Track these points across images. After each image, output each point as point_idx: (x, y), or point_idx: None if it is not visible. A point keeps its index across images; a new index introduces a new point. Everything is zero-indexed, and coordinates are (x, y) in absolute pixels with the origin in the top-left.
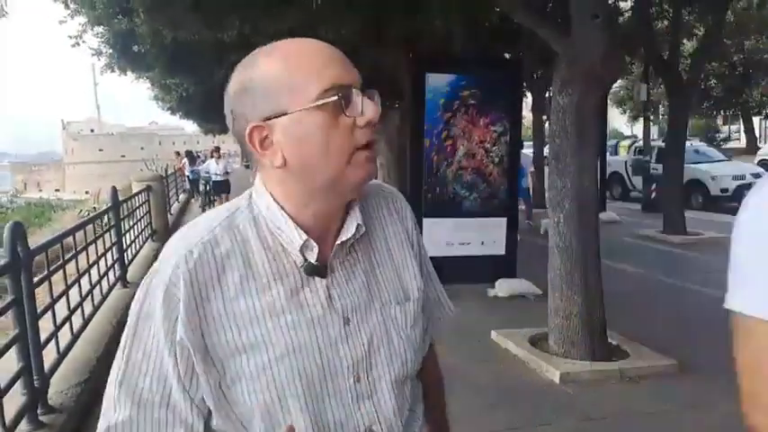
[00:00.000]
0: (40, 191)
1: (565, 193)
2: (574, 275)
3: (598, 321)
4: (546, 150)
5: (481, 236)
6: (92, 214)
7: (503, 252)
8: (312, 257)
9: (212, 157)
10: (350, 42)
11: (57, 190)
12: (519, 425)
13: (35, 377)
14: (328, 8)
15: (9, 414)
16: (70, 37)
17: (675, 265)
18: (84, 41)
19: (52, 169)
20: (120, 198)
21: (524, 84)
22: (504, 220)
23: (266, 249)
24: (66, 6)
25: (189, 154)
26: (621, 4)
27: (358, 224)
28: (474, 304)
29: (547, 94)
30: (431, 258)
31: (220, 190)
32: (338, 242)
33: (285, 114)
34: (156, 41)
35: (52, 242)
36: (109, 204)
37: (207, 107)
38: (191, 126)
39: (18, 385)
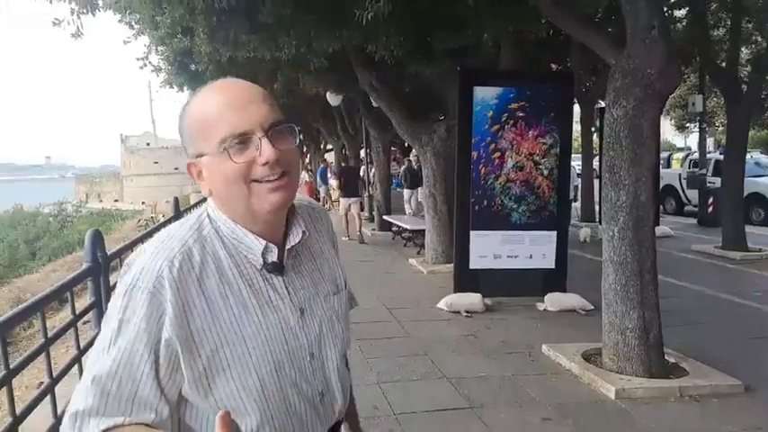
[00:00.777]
0: (101, 201)
1: (619, 206)
2: (629, 290)
3: (655, 337)
4: (595, 163)
5: (530, 249)
6: (150, 224)
7: (552, 266)
8: (273, 258)
9: None
10: (398, 57)
11: (116, 200)
12: None
13: None
14: (378, 26)
15: None
16: (138, 59)
17: (735, 282)
18: (150, 62)
19: (111, 181)
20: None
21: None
22: (554, 234)
23: (231, 257)
24: (131, 27)
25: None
26: (676, 13)
27: (303, 231)
28: (522, 318)
29: (596, 106)
30: (477, 270)
31: None
32: (288, 247)
33: (203, 156)
34: (213, 59)
35: (125, 248)
36: (172, 215)
37: None
38: None
39: None
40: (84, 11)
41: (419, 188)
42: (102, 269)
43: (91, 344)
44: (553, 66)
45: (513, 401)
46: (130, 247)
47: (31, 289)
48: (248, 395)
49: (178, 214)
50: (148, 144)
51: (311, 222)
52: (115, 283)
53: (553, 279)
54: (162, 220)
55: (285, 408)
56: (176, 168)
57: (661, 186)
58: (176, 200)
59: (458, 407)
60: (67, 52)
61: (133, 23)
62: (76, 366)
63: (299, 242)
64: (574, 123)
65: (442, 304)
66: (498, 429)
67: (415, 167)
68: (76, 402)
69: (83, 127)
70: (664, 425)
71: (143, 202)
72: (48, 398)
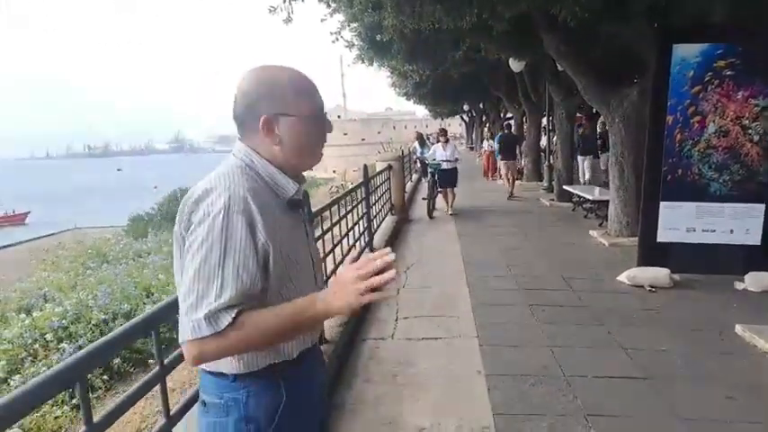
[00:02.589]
0: None
1: None
2: None
3: None
4: None
5: (730, 223)
6: (341, 190)
7: (758, 242)
8: (299, 196)
9: (438, 141)
10: (584, 18)
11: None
12: (761, 419)
13: None
14: None
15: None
16: (332, 33)
17: None
18: (341, 37)
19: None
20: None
21: None
22: (761, 207)
23: (269, 191)
24: (328, 5)
25: (419, 137)
26: None
27: (303, 177)
28: (716, 296)
29: None
30: (665, 244)
31: (447, 182)
32: (301, 187)
33: (288, 116)
34: (398, 31)
35: (325, 208)
36: (361, 180)
37: (438, 90)
38: (421, 110)
39: None
40: None
41: (591, 156)
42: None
43: None
44: None
45: (695, 377)
46: (328, 207)
47: None
48: (295, 285)
49: (367, 180)
50: (339, 117)
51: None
52: None
53: (757, 256)
54: (350, 186)
55: (311, 285)
56: (363, 139)
57: None
58: (365, 167)
59: (632, 376)
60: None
61: (330, 2)
62: None
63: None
64: None
65: (623, 277)
66: (675, 402)
67: (587, 132)
68: (201, 308)
69: None
70: None
71: (333, 171)
72: None
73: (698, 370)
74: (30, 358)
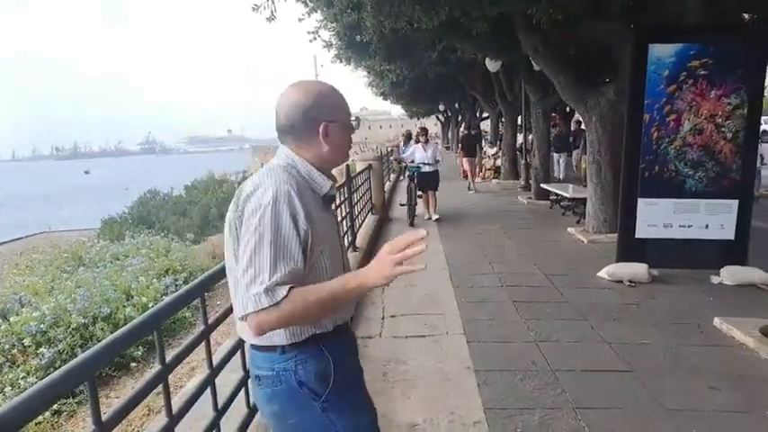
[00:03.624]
0: None
1: None
2: None
3: None
4: None
5: (706, 218)
6: None
7: (731, 237)
8: (333, 192)
9: (417, 141)
10: (557, 20)
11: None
12: (743, 409)
13: None
14: None
15: None
16: (309, 32)
17: None
18: (319, 36)
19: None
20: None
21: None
22: (735, 203)
23: (308, 187)
24: (306, 5)
25: (408, 135)
26: None
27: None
28: (693, 290)
29: None
30: (643, 240)
31: (428, 186)
32: (336, 186)
33: (336, 122)
34: (378, 31)
35: None
36: (344, 180)
37: (415, 90)
38: (397, 110)
39: None
40: None
41: (565, 153)
42: None
43: None
44: (746, 16)
45: (677, 369)
46: None
47: (222, 245)
48: (330, 271)
49: (349, 180)
50: None
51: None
52: None
53: (732, 251)
54: None
55: (340, 270)
56: None
57: None
58: (347, 167)
59: (617, 369)
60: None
61: (308, 2)
62: None
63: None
64: None
65: (603, 273)
66: (659, 393)
67: (562, 131)
68: (258, 284)
69: (257, 102)
70: None
71: None
72: None
73: (680, 362)
74: (8, 364)
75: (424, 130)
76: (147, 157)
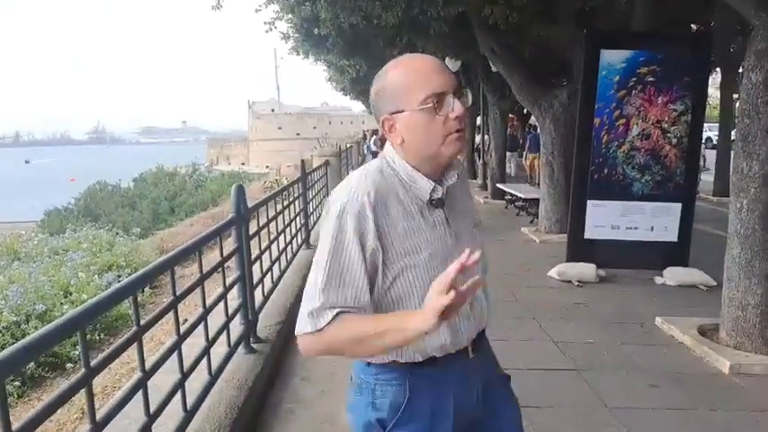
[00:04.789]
0: (229, 164)
1: (751, 177)
2: (754, 264)
3: None
4: (734, 133)
5: (651, 221)
6: (275, 186)
7: (674, 239)
8: (437, 195)
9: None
10: (516, 21)
11: (242, 163)
12: (682, 406)
13: (249, 312)
14: None
15: (232, 340)
16: (265, 23)
17: None
18: (275, 27)
19: (239, 145)
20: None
21: (712, 59)
22: (678, 206)
23: (407, 191)
24: None
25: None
26: None
27: (458, 174)
28: (638, 290)
29: (740, 70)
30: (592, 240)
31: None
32: (447, 185)
33: (403, 112)
34: (336, 25)
35: (262, 203)
36: (299, 175)
37: None
38: (358, 106)
39: (237, 319)
40: None
41: (516, 153)
42: (244, 219)
43: (234, 284)
44: (693, 26)
45: (620, 367)
46: (265, 203)
47: (171, 240)
48: (419, 289)
49: (304, 176)
50: (273, 110)
51: (460, 171)
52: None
53: (674, 253)
54: (285, 182)
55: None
56: (298, 134)
57: None
58: (303, 162)
59: (563, 368)
60: (198, 23)
61: None
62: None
63: (454, 183)
64: (713, 89)
65: (552, 273)
66: (603, 391)
67: (515, 132)
68: (308, 305)
69: (215, 93)
70: None
71: (267, 166)
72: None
73: (623, 360)
74: None
75: (375, 131)
76: (96, 147)
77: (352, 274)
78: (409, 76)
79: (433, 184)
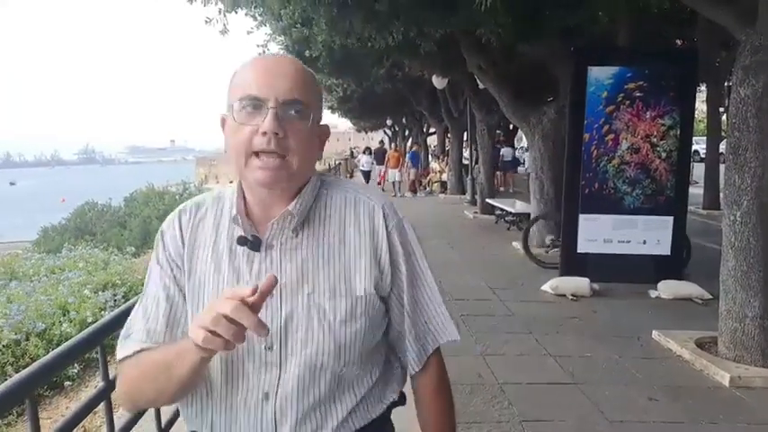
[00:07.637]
0: (218, 182)
1: (743, 189)
2: (750, 277)
3: None
4: (722, 147)
5: (643, 234)
6: None
7: (668, 252)
8: (239, 231)
9: (364, 153)
10: (506, 39)
11: (230, 182)
12: (681, 419)
13: None
14: (489, 10)
15: None
16: (258, 45)
17: None
18: (268, 50)
19: (227, 163)
20: None
21: (698, 73)
22: (670, 219)
23: (231, 220)
24: (255, 19)
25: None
26: None
27: (287, 210)
28: (632, 304)
29: (726, 84)
30: (585, 254)
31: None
32: (270, 222)
33: (229, 113)
34: (327, 46)
35: None
36: None
37: (363, 105)
38: (344, 123)
39: None
40: (229, 10)
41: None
42: None
43: None
44: (678, 41)
45: (619, 381)
46: None
47: None
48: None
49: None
50: None
51: (343, 217)
52: None
53: (668, 266)
54: None
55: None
56: None
57: None
58: None
59: (562, 381)
60: (186, 42)
61: (257, 15)
62: None
63: (281, 221)
64: (699, 103)
65: (546, 287)
66: (603, 404)
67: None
68: (124, 329)
69: (202, 112)
70: None
71: None
72: None
73: (621, 374)
74: None
75: (368, 149)
76: (85, 167)
77: (152, 312)
78: (247, 71)
79: (235, 212)
